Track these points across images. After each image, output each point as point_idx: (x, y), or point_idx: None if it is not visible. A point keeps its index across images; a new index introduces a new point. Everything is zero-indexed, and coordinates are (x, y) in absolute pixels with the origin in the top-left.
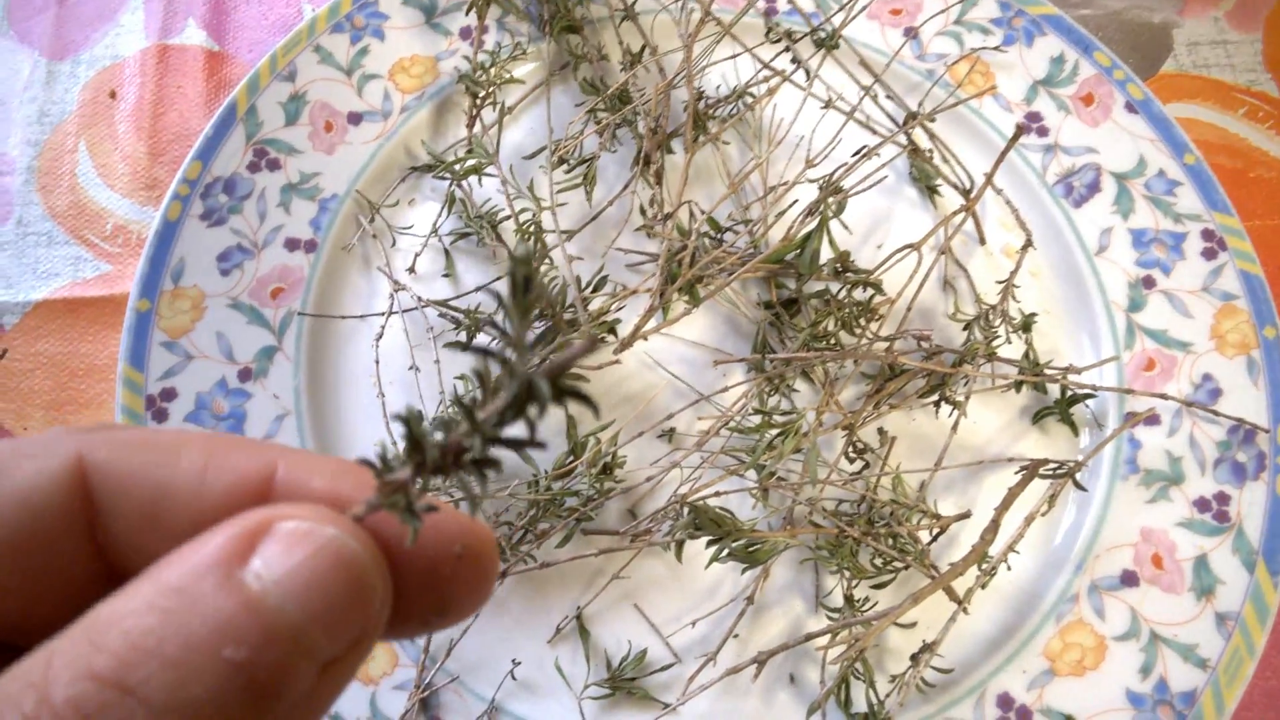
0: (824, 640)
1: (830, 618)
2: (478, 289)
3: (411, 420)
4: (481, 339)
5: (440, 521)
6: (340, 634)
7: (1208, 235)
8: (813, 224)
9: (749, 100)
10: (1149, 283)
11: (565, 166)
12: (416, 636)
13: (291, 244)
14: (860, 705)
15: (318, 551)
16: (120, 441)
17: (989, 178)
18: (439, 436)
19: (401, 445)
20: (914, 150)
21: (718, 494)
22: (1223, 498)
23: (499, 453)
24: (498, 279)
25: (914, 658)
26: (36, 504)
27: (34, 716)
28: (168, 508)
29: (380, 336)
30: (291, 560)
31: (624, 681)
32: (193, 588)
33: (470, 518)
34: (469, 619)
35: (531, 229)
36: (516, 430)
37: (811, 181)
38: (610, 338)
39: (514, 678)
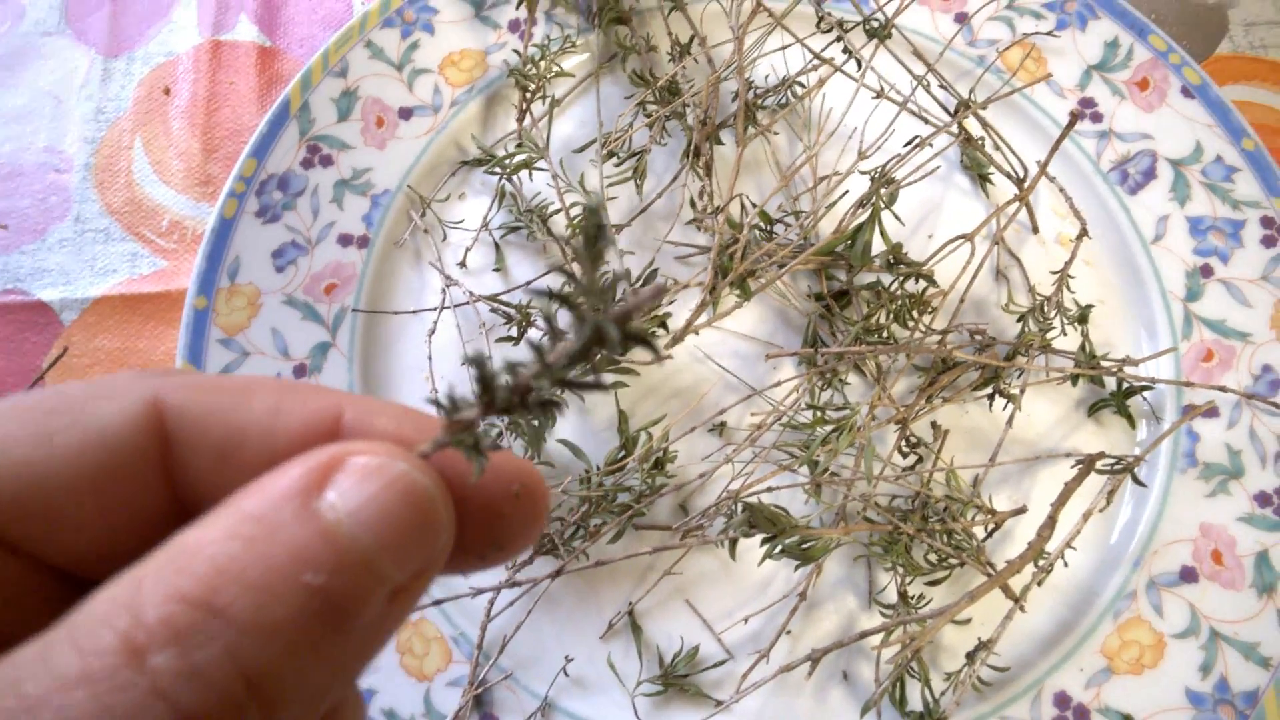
0: (878, 639)
1: (884, 614)
2: (528, 283)
3: (480, 362)
4: (533, 334)
5: (498, 463)
6: (408, 563)
7: (1267, 222)
8: (864, 215)
9: (799, 91)
10: (1207, 271)
11: (615, 159)
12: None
13: (344, 240)
14: (915, 704)
15: (389, 485)
16: (194, 384)
17: (1043, 166)
18: (506, 379)
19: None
20: (966, 139)
21: (770, 489)
22: None
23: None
24: (547, 273)
25: (969, 656)
26: (114, 442)
27: (129, 634)
28: (240, 447)
29: (433, 332)
30: (364, 492)
31: (676, 678)
32: (271, 516)
33: (525, 460)
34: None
35: (582, 222)
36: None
37: (863, 173)
38: (662, 332)
39: (566, 674)
